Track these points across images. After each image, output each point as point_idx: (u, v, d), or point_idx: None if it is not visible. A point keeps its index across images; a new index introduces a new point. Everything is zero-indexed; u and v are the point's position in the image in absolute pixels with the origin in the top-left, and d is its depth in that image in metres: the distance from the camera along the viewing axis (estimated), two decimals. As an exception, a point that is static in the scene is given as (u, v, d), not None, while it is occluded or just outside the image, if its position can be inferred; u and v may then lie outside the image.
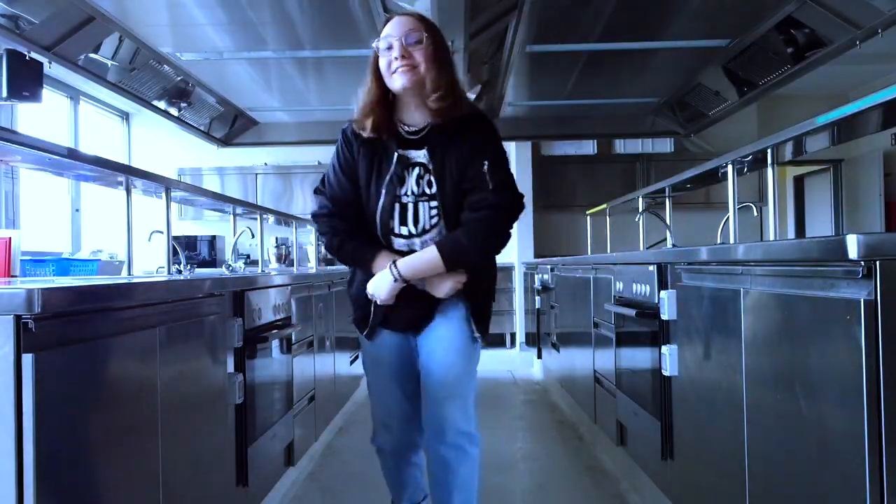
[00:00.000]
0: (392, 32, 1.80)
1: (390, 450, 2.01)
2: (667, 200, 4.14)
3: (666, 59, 5.09)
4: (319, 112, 6.47)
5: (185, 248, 6.99)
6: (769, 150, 2.54)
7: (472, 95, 5.34)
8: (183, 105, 5.53)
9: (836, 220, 7.70)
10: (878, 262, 1.07)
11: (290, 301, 2.74)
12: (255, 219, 4.04)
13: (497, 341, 7.30)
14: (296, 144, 7.06)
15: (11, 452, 1.08)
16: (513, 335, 7.26)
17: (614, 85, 5.78)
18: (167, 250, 2.70)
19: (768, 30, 4.31)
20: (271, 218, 4.57)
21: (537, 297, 5.35)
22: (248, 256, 6.96)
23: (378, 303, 1.83)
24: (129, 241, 2.62)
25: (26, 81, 4.14)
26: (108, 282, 1.50)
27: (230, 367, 2.05)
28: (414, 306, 1.83)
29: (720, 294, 1.69)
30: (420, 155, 1.82)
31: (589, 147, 7.65)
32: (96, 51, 4.26)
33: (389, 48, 1.79)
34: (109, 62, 4.43)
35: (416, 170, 1.82)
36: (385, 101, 1.84)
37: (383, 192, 1.81)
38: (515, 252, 7.25)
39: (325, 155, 7.57)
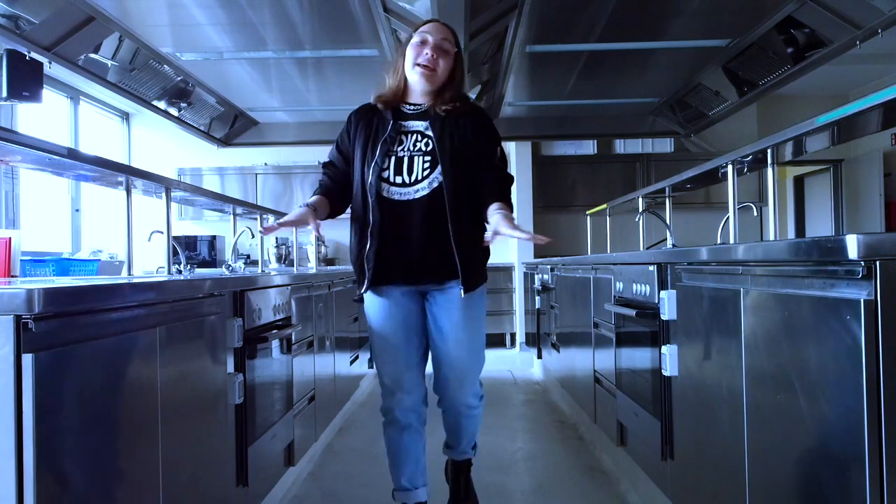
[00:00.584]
0: (430, 31, 2.10)
1: (398, 413, 2.16)
2: (667, 200, 4.14)
3: (666, 59, 5.08)
4: (319, 112, 6.47)
5: (185, 248, 6.99)
6: (769, 150, 2.54)
7: (472, 95, 5.35)
8: (183, 105, 5.53)
9: (836, 220, 7.70)
10: (877, 262, 1.07)
11: (290, 301, 2.74)
12: (255, 219, 4.04)
13: (497, 341, 7.30)
14: (296, 144, 7.06)
15: (11, 452, 1.08)
16: (513, 335, 7.26)
17: (614, 85, 5.78)
18: (167, 250, 2.70)
19: (768, 30, 4.31)
20: (271, 218, 4.57)
21: (537, 298, 5.35)
22: (248, 256, 6.96)
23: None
24: (128, 241, 2.62)
25: (26, 81, 4.14)
26: (108, 282, 1.50)
27: (230, 368, 2.05)
28: (431, 256, 2.06)
29: (720, 294, 1.69)
30: (418, 125, 2.12)
31: (589, 147, 7.65)
32: (96, 51, 4.26)
33: (423, 43, 2.07)
34: (109, 62, 4.43)
35: (414, 136, 2.10)
36: (404, 84, 2.13)
37: (378, 150, 2.08)
38: (515, 252, 7.25)
39: (324, 155, 7.53)
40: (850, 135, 2.56)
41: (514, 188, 2.54)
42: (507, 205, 2.07)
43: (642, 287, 2.35)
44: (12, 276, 2.79)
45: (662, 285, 2.14)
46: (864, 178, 7.21)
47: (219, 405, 1.95)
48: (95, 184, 2.70)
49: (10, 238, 2.84)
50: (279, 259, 7.36)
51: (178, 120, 5.73)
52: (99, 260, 3.96)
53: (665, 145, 7.60)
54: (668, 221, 4.01)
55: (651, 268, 2.23)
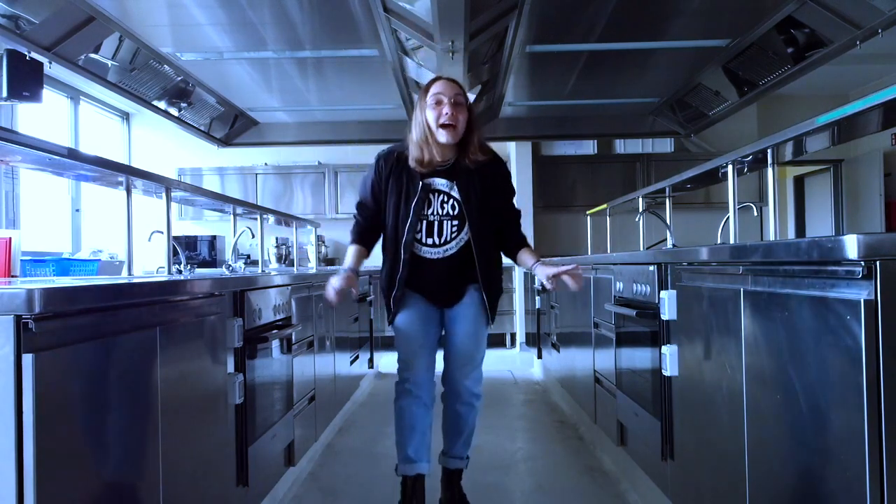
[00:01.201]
0: (443, 91, 2.32)
1: (410, 387, 2.42)
2: (667, 200, 4.14)
3: (666, 59, 5.08)
4: (319, 112, 6.47)
5: (186, 248, 6.99)
6: (769, 150, 2.54)
7: (472, 95, 5.34)
8: (183, 105, 5.53)
9: (836, 220, 7.70)
10: (878, 263, 1.07)
11: (290, 301, 2.74)
12: (255, 219, 4.04)
13: (497, 341, 7.30)
14: (296, 144, 7.07)
15: (12, 452, 1.08)
16: (513, 335, 7.26)
17: (614, 85, 5.78)
18: (167, 250, 2.70)
19: (768, 30, 4.31)
20: (271, 218, 4.57)
21: (537, 298, 5.35)
22: (248, 256, 6.97)
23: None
24: (129, 241, 2.62)
25: (26, 81, 4.14)
26: (108, 282, 1.50)
27: (230, 368, 2.05)
28: (452, 291, 2.41)
29: (720, 294, 1.69)
30: (443, 184, 2.36)
31: (589, 147, 7.65)
32: (96, 51, 4.26)
33: (439, 103, 2.31)
34: (109, 62, 4.43)
35: (441, 196, 2.35)
36: (436, 143, 2.33)
37: (411, 212, 2.33)
38: (515, 252, 7.24)
39: (324, 155, 7.58)
40: (850, 135, 2.56)
41: (515, 188, 2.77)
42: (530, 248, 2.51)
43: (642, 287, 2.35)
44: (12, 276, 2.79)
45: (662, 285, 2.14)
46: (865, 178, 7.21)
47: (219, 405, 1.96)
48: (95, 184, 2.70)
49: (10, 238, 2.84)
50: (279, 259, 7.36)
51: (178, 120, 5.73)
52: (99, 260, 3.96)
53: (665, 145, 7.60)
54: (668, 221, 4.01)
55: (651, 268, 2.23)
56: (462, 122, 2.32)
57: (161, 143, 7.48)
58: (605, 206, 5.07)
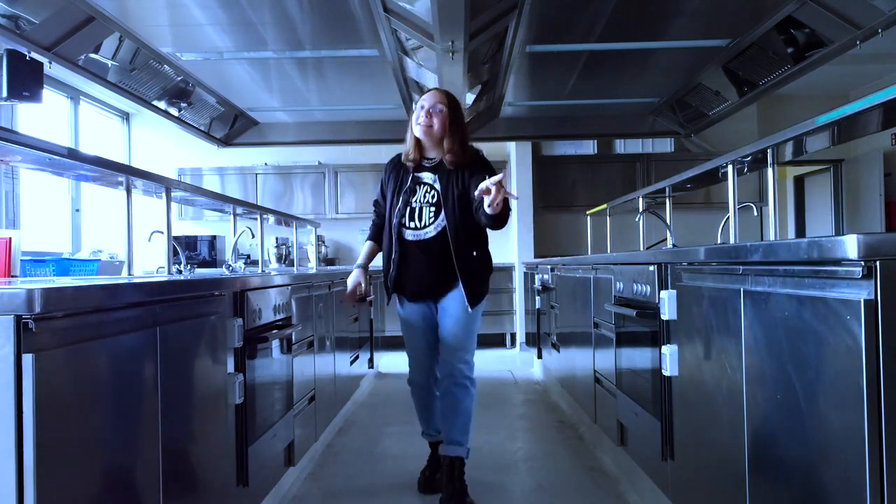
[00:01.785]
0: (426, 99, 2.68)
1: (419, 383, 2.89)
2: (667, 200, 4.14)
3: (666, 59, 5.08)
4: (319, 112, 6.47)
5: (186, 248, 6.99)
6: (769, 151, 2.54)
7: (472, 95, 5.35)
8: (183, 105, 5.53)
9: (837, 220, 7.70)
10: (878, 263, 1.07)
11: (290, 301, 2.74)
12: (255, 219, 4.04)
13: (497, 341, 7.30)
14: (296, 144, 7.07)
15: (12, 452, 1.08)
16: (513, 335, 7.26)
17: (614, 85, 5.78)
18: (167, 250, 2.70)
19: (768, 30, 4.31)
20: (271, 218, 4.57)
21: (537, 298, 5.35)
22: (248, 256, 6.97)
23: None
24: (129, 241, 2.62)
25: (26, 81, 4.14)
26: (108, 282, 1.50)
27: (230, 368, 2.05)
28: (434, 277, 2.65)
29: (720, 294, 1.69)
30: (429, 177, 2.69)
31: (589, 147, 7.65)
32: (96, 51, 4.26)
33: (421, 108, 2.67)
34: (109, 62, 4.43)
35: (425, 187, 2.68)
36: (419, 142, 2.69)
37: (401, 199, 2.68)
38: (515, 252, 7.25)
39: (324, 155, 7.58)
40: (850, 135, 2.56)
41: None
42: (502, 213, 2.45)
43: (642, 287, 2.35)
44: (12, 276, 2.79)
45: (662, 285, 2.14)
46: (865, 178, 7.21)
47: (219, 405, 1.96)
48: (95, 184, 2.70)
49: (10, 238, 2.84)
50: (279, 259, 7.36)
51: (179, 120, 5.73)
52: (99, 260, 3.96)
53: (665, 145, 7.60)
54: (668, 221, 4.01)
55: (651, 268, 2.23)
56: (437, 125, 2.63)
57: (161, 143, 7.48)
58: (605, 206, 5.07)
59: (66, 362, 1.21)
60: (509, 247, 7.54)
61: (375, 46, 4.52)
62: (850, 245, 1.08)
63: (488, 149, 7.46)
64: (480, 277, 2.68)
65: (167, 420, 1.57)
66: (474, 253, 2.63)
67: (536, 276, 5.31)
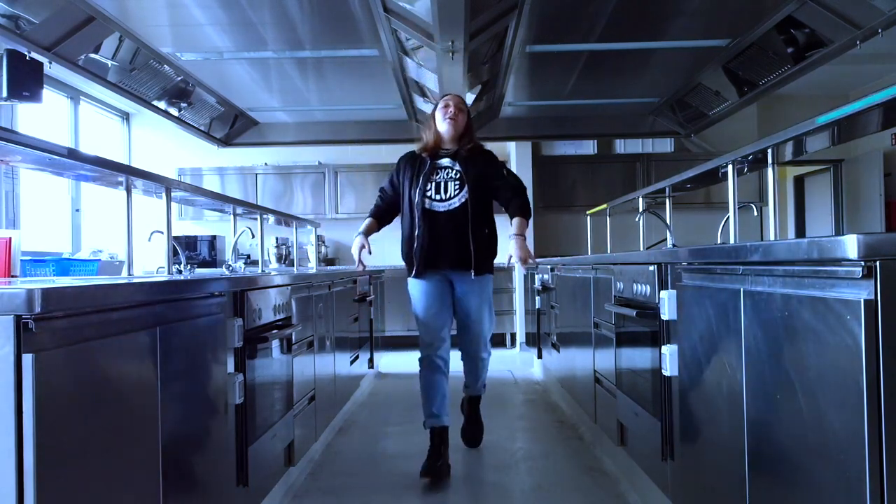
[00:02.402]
0: (450, 99, 3.19)
1: (429, 360, 3.06)
2: (667, 200, 4.14)
3: (666, 59, 5.08)
4: (319, 112, 6.47)
5: (186, 248, 7.00)
6: (769, 150, 2.54)
7: (472, 95, 5.35)
8: (183, 105, 5.53)
9: (837, 220, 7.70)
10: (878, 263, 1.07)
11: (290, 301, 2.74)
12: (255, 219, 4.04)
13: (497, 341, 7.30)
14: (296, 144, 7.06)
15: (12, 452, 1.08)
16: (513, 335, 7.26)
17: (614, 85, 5.78)
18: (167, 250, 2.70)
19: (768, 30, 4.31)
20: (271, 218, 4.57)
21: (537, 298, 5.35)
22: (248, 256, 6.97)
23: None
24: (128, 241, 2.62)
25: (26, 81, 4.14)
26: (108, 282, 1.50)
27: (230, 368, 2.05)
28: (457, 245, 3.03)
29: (720, 294, 1.69)
30: (447, 161, 3.11)
31: (589, 147, 7.65)
32: (96, 51, 4.26)
33: (446, 106, 3.14)
34: (110, 62, 4.43)
35: (446, 169, 3.09)
36: (438, 135, 3.14)
37: (422, 178, 3.06)
38: (516, 252, 7.24)
39: (324, 155, 7.58)
40: (850, 135, 2.56)
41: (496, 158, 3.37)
42: (525, 220, 3.12)
43: (642, 287, 2.35)
44: (12, 276, 2.79)
45: (662, 285, 2.14)
46: (865, 178, 7.21)
47: (219, 405, 1.95)
48: (95, 184, 2.70)
49: (10, 238, 2.84)
50: (279, 259, 7.36)
51: (178, 120, 5.73)
52: (99, 260, 3.96)
53: (665, 145, 7.60)
54: (668, 221, 4.01)
55: (651, 268, 2.23)
56: (461, 121, 3.12)
57: (161, 143, 7.49)
58: (605, 206, 5.07)
59: (66, 362, 1.21)
60: (510, 247, 7.54)
61: (375, 46, 4.52)
62: (850, 245, 1.08)
63: (488, 148, 7.50)
64: (487, 251, 3.11)
65: (167, 420, 1.57)
66: (486, 230, 3.08)
67: (536, 276, 5.31)
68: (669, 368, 2.05)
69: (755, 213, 3.90)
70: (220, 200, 3.53)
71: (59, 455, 1.17)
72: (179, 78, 5.14)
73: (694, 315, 1.90)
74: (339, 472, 3.05)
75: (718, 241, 3.50)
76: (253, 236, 4.01)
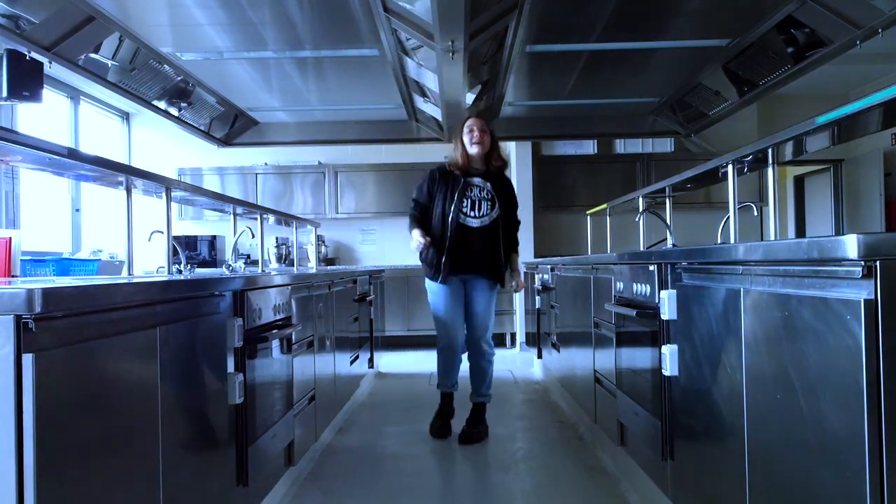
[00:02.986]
0: (474, 124, 3.58)
1: (448, 348, 3.65)
2: (667, 200, 4.14)
3: (666, 59, 5.08)
4: (319, 112, 6.47)
5: (186, 248, 7.00)
6: (770, 150, 2.54)
7: (472, 95, 5.35)
8: (183, 105, 5.53)
9: (837, 220, 7.70)
10: (878, 262, 1.07)
11: (290, 301, 2.74)
12: (255, 219, 4.04)
13: (498, 341, 7.29)
14: (296, 144, 7.06)
15: (12, 452, 1.08)
16: (513, 335, 7.26)
17: (614, 85, 5.78)
18: (167, 250, 2.70)
19: (768, 29, 4.31)
20: (271, 218, 4.57)
21: (537, 297, 5.35)
22: (249, 256, 6.97)
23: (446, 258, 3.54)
24: (128, 241, 2.62)
25: (26, 81, 4.14)
26: (108, 282, 1.50)
27: (230, 367, 2.04)
28: (483, 255, 3.55)
29: (720, 294, 1.69)
30: (479, 181, 3.58)
31: (589, 147, 7.65)
32: (96, 51, 4.25)
33: (471, 131, 3.56)
34: (110, 62, 4.43)
35: (478, 188, 3.56)
36: (468, 156, 3.56)
37: (456, 197, 3.50)
38: (515, 252, 7.24)
39: (324, 155, 7.59)
40: (850, 134, 2.56)
41: (515, 189, 3.73)
42: (516, 252, 3.73)
43: (642, 287, 2.35)
44: (12, 276, 2.79)
45: (662, 285, 2.14)
46: (865, 178, 7.21)
47: (219, 405, 1.96)
48: (95, 184, 2.70)
49: (9, 238, 2.84)
50: (279, 259, 7.36)
51: (178, 120, 5.73)
52: (99, 260, 3.96)
53: (665, 145, 7.60)
54: (668, 221, 4.00)
55: (651, 267, 2.23)
56: (487, 142, 3.57)
57: (161, 142, 7.49)
58: (605, 206, 5.07)
59: (66, 362, 1.21)
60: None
61: (375, 46, 4.52)
62: (850, 245, 1.08)
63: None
64: (502, 265, 3.61)
65: (167, 420, 1.57)
66: (504, 246, 3.60)
67: (536, 276, 5.31)
68: (669, 368, 2.05)
69: (755, 213, 3.89)
70: (220, 200, 3.53)
71: (59, 455, 1.17)
72: (179, 78, 5.14)
73: (694, 315, 1.90)
74: (339, 472, 3.06)
75: (719, 241, 3.50)
76: (253, 236, 4.01)
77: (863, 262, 1.09)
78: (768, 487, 1.46)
